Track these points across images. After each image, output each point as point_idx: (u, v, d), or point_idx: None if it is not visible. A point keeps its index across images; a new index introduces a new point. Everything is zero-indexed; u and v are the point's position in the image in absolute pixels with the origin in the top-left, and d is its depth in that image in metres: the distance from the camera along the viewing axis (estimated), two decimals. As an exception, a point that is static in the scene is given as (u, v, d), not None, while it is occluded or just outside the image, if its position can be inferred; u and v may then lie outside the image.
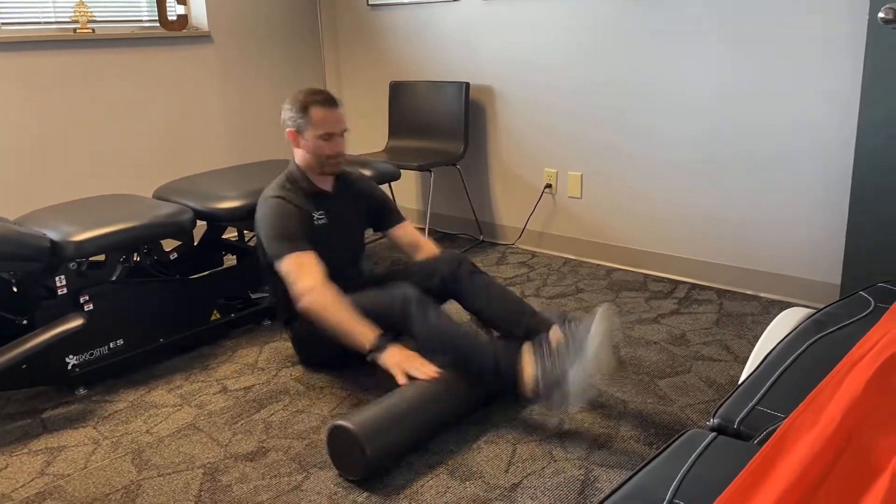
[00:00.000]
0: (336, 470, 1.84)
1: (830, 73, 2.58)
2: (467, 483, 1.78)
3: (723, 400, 1.33)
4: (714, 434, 1.19)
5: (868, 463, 1.04)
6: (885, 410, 1.14)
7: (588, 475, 1.79)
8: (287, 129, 2.32)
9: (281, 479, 1.83)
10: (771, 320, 2.60)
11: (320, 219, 2.33)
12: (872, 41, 2.24)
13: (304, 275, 2.13)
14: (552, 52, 3.32)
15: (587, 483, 1.76)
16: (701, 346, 2.46)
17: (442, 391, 1.96)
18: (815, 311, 1.68)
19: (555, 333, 2.04)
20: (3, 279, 2.27)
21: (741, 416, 1.27)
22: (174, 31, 3.66)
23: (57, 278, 2.23)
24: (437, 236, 3.88)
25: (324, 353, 2.35)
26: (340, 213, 2.39)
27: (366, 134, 4.25)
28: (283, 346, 2.59)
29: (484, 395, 2.07)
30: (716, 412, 1.30)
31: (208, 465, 1.89)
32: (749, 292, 2.93)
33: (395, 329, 2.10)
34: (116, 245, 2.31)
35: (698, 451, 1.13)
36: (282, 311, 2.40)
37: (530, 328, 2.15)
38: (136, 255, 2.49)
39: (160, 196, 2.76)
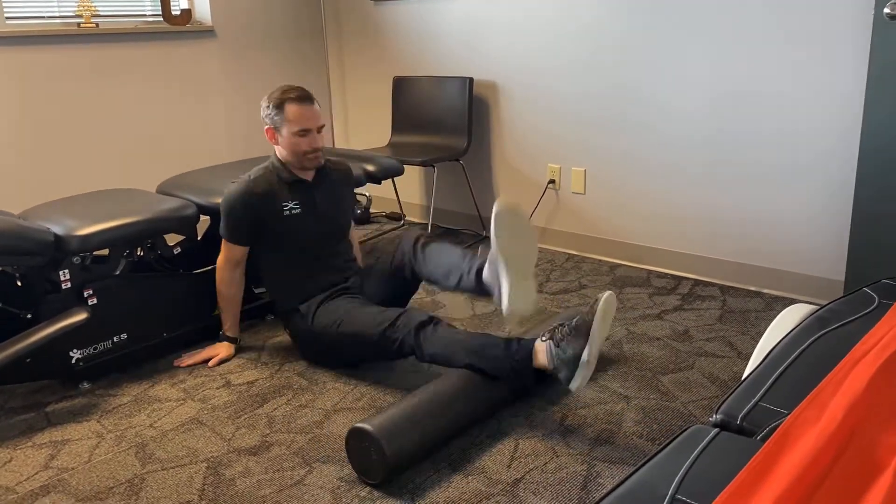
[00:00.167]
0: (352, 470, 1.82)
1: (834, 70, 2.57)
2: (469, 478, 1.78)
3: (726, 396, 1.33)
4: (717, 430, 1.19)
5: (871, 459, 1.04)
6: (888, 407, 1.14)
7: (590, 470, 1.79)
8: (265, 127, 2.37)
9: (284, 473, 1.83)
10: (774, 317, 2.60)
11: (294, 209, 2.37)
12: (878, 37, 2.23)
13: (221, 256, 2.43)
14: (556, 47, 3.31)
15: (589, 478, 1.76)
16: (704, 342, 2.46)
17: (462, 392, 1.93)
18: (818, 307, 1.67)
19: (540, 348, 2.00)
20: (8, 273, 2.28)
21: (744, 412, 1.27)
22: (178, 25, 3.66)
23: (61, 272, 2.23)
24: (440, 232, 3.88)
25: (321, 352, 2.37)
26: (319, 200, 2.43)
27: (369, 129, 4.25)
28: (286, 340, 2.59)
29: (504, 395, 2.04)
30: (719, 408, 1.30)
31: (212, 459, 1.90)
32: (752, 288, 2.92)
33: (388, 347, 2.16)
34: (120, 239, 2.31)
35: (701, 447, 1.13)
36: (279, 306, 2.45)
37: (467, 272, 2.17)
38: (139, 249, 2.49)
39: (163, 191, 2.77)
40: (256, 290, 2.78)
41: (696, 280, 3.04)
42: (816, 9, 2.56)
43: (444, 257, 2.26)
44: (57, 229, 2.22)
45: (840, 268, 2.70)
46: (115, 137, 3.53)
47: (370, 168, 3.07)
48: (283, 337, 2.62)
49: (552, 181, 3.47)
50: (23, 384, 2.34)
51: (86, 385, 2.31)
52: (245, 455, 1.91)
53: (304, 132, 2.31)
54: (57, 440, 2.02)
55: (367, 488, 1.75)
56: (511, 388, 2.04)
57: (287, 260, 2.40)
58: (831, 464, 1.02)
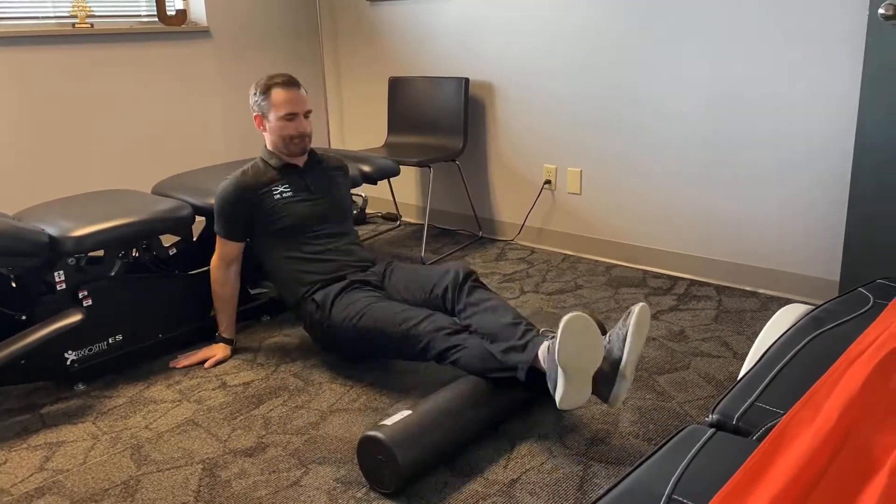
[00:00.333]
0: (368, 483, 1.79)
1: (829, 70, 2.58)
2: (466, 478, 1.78)
3: (722, 396, 1.33)
4: (713, 430, 1.19)
5: (866, 459, 1.04)
6: (883, 407, 1.14)
7: (587, 471, 1.79)
8: (253, 115, 2.42)
9: (280, 474, 1.83)
10: (770, 317, 2.60)
11: (285, 192, 2.39)
12: (872, 38, 2.24)
13: (215, 254, 2.43)
14: (552, 48, 3.31)
15: (586, 479, 1.76)
16: (700, 342, 2.47)
17: (475, 399, 1.89)
18: (813, 307, 1.68)
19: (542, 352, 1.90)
20: (2, 274, 2.27)
21: (740, 412, 1.27)
22: (173, 25, 3.65)
23: (56, 273, 2.23)
24: (436, 232, 3.88)
25: (337, 343, 2.31)
26: (311, 183, 2.45)
27: (365, 129, 4.25)
28: (282, 341, 2.59)
29: (518, 400, 2.01)
30: (715, 408, 1.30)
31: (207, 461, 1.89)
32: (748, 288, 2.93)
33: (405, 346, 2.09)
34: (115, 240, 2.30)
35: (697, 446, 1.14)
36: (289, 298, 2.41)
37: (513, 350, 1.94)
38: (134, 250, 2.49)
39: (159, 191, 2.76)
40: (252, 291, 2.78)
41: (691, 280, 3.05)
42: (812, 10, 2.57)
43: (494, 317, 2.02)
44: (52, 230, 2.22)
45: (835, 268, 2.70)
46: (111, 138, 3.52)
47: (366, 168, 3.06)
48: (279, 338, 2.62)
49: (548, 181, 3.47)
50: (18, 386, 2.33)
51: (81, 386, 2.30)
52: (241, 456, 1.91)
53: (290, 116, 2.35)
54: (52, 442, 2.01)
55: (364, 489, 1.75)
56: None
57: (288, 247, 2.38)
58: (827, 464, 1.02)
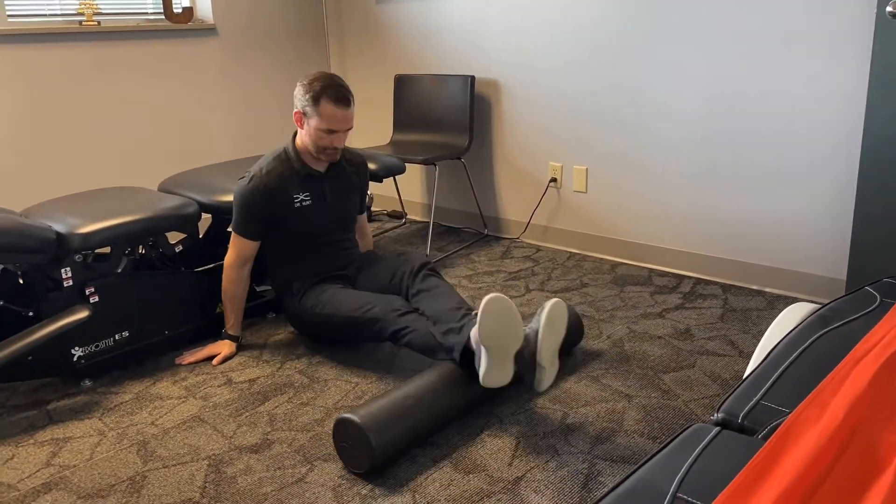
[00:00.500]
0: (342, 462, 1.84)
1: (836, 69, 2.57)
2: (471, 476, 1.78)
3: (727, 394, 1.33)
4: (718, 428, 1.19)
5: (872, 458, 1.04)
6: (890, 406, 1.14)
7: (592, 469, 1.79)
8: (294, 109, 2.37)
9: (285, 471, 1.83)
10: (776, 315, 2.60)
11: (305, 200, 2.42)
12: (880, 36, 2.23)
13: (231, 253, 2.44)
14: (558, 46, 3.31)
15: (591, 477, 1.76)
16: (706, 340, 2.46)
17: (447, 384, 1.96)
18: (820, 306, 1.67)
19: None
20: (9, 271, 2.28)
21: (745, 410, 1.27)
22: (179, 23, 3.66)
23: (62, 270, 2.23)
24: (442, 230, 3.88)
25: (308, 328, 2.47)
26: (329, 192, 2.47)
27: (371, 127, 4.25)
28: (287, 338, 2.60)
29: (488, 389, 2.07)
30: (720, 407, 1.30)
31: (213, 457, 1.90)
32: (754, 287, 2.92)
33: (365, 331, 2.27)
34: (122, 237, 2.31)
35: (702, 445, 1.13)
36: (274, 282, 2.55)
37: (450, 332, 2.08)
38: (141, 247, 2.50)
39: (165, 189, 2.77)
40: (258, 289, 2.79)
41: (697, 279, 3.04)
42: (817, 8, 2.56)
43: (439, 302, 2.19)
44: (59, 227, 2.23)
45: (842, 266, 2.70)
46: (117, 135, 3.53)
47: (372, 166, 3.07)
48: (284, 335, 2.63)
49: (554, 179, 3.47)
50: (25, 382, 2.34)
51: (87, 383, 2.31)
52: (246, 453, 1.92)
53: (331, 131, 2.32)
54: (59, 438, 2.02)
55: (369, 486, 1.76)
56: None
57: (292, 244, 2.47)
58: (833, 462, 1.02)
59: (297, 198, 2.40)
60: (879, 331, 1.37)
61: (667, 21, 2.95)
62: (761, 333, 2.49)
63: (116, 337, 2.37)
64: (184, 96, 3.73)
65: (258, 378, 2.32)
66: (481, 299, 1.95)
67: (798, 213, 2.77)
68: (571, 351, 2.41)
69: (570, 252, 3.45)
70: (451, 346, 2.04)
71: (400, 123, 3.84)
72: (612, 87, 3.17)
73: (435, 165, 3.50)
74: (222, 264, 2.47)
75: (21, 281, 2.27)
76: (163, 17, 3.69)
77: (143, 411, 2.14)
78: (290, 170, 2.40)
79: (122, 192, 2.62)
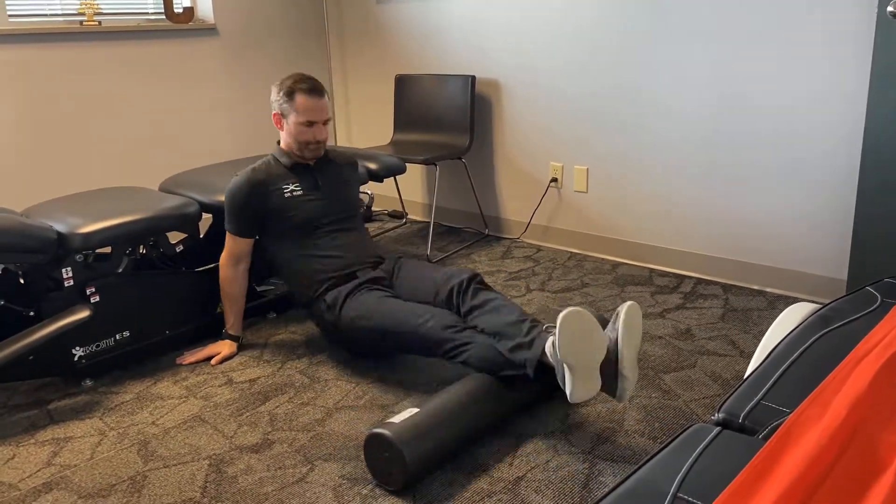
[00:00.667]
0: (375, 479, 1.80)
1: (837, 68, 2.57)
2: (471, 476, 1.78)
3: (728, 394, 1.33)
4: (719, 428, 1.19)
5: (873, 458, 1.04)
6: (891, 406, 1.14)
7: (592, 469, 1.79)
8: (272, 112, 2.42)
9: (286, 470, 1.83)
10: (777, 315, 2.60)
11: (295, 190, 2.41)
12: (881, 36, 2.23)
13: (224, 251, 2.45)
14: (559, 46, 3.31)
15: (591, 477, 1.76)
16: (706, 340, 2.46)
17: (481, 398, 1.89)
18: (821, 306, 1.67)
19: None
20: (10, 271, 2.28)
21: (746, 410, 1.27)
22: (180, 23, 3.66)
23: (63, 270, 2.24)
24: (442, 230, 3.89)
25: (350, 341, 2.33)
26: (320, 182, 2.46)
27: (371, 127, 4.25)
28: (288, 338, 2.60)
29: (524, 397, 2.01)
30: (721, 407, 1.30)
31: (214, 457, 1.90)
32: (755, 287, 2.92)
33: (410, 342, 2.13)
34: (122, 237, 2.31)
35: (703, 445, 1.13)
36: (300, 296, 2.43)
37: (519, 348, 1.95)
38: (141, 247, 2.50)
39: (166, 189, 2.77)
40: (259, 289, 2.79)
41: (698, 279, 3.04)
42: (818, 8, 2.56)
43: (499, 317, 2.04)
44: (59, 227, 2.23)
45: (843, 266, 2.69)
46: (118, 135, 3.53)
47: (372, 166, 3.07)
48: (285, 335, 2.63)
49: (554, 179, 3.47)
50: (25, 381, 2.34)
51: (88, 382, 2.31)
52: (247, 452, 1.92)
53: (310, 123, 2.36)
54: (59, 437, 2.02)
55: (369, 486, 1.76)
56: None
57: (298, 245, 2.40)
58: (833, 463, 1.02)
59: (287, 188, 2.40)
60: (880, 331, 1.36)
61: (667, 21, 2.95)
62: (762, 333, 2.49)
63: (117, 337, 2.37)
64: (184, 96, 3.73)
65: (259, 378, 2.32)
66: (559, 313, 1.79)
67: (799, 212, 2.77)
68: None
69: (571, 252, 3.45)
70: (523, 362, 1.91)
71: (400, 123, 3.84)
72: (612, 87, 3.17)
73: (435, 165, 3.50)
74: None
75: (22, 281, 2.28)
76: (163, 17, 3.69)
77: (144, 411, 2.14)
78: (277, 166, 2.44)
79: (122, 192, 2.62)
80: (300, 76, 2.38)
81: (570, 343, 1.76)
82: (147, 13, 3.67)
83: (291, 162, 2.44)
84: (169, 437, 2.00)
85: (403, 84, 3.83)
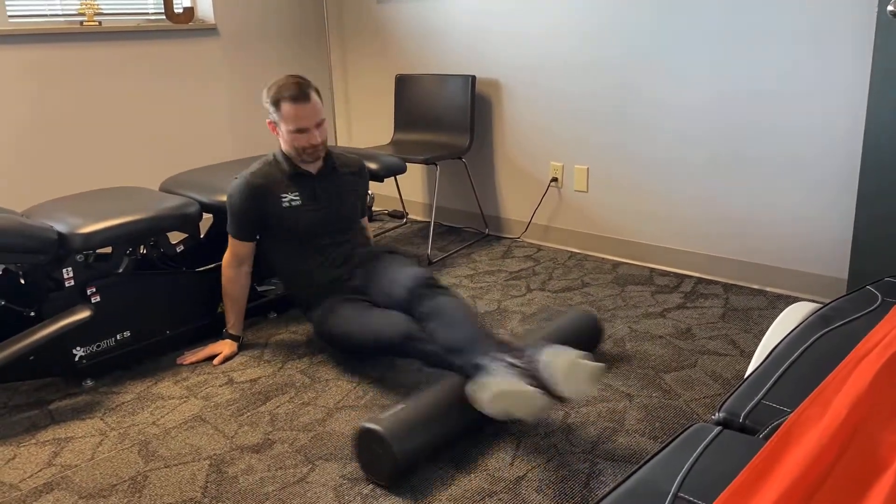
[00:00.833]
0: (357, 470, 1.84)
1: (838, 67, 2.57)
2: (472, 476, 1.78)
3: (728, 394, 1.33)
4: (719, 428, 1.19)
5: (873, 458, 1.04)
6: (891, 406, 1.14)
7: (593, 468, 1.79)
8: (267, 120, 2.40)
9: (287, 470, 1.83)
10: (777, 315, 2.60)
11: (293, 200, 2.39)
12: (881, 35, 2.23)
13: (227, 253, 2.45)
14: (559, 45, 3.31)
15: (592, 476, 1.76)
16: (707, 340, 2.46)
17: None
18: (821, 305, 1.67)
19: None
20: (11, 271, 2.28)
21: (747, 410, 1.27)
22: (180, 23, 3.66)
23: (64, 270, 2.24)
24: (443, 230, 3.89)
25: (340, 340, 2.33)
26: (320, 193, 2.44)
27: (371, 127, 4.25)
28: (288, 338, 2.60)
29: None
30: (721, 406, 1.30)
31: (214, 457, 1.90)
32: (755, 287, 2.92)
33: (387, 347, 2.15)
34: (123, 237, 2.31)
35: (704, 444, 1.13)
36: (297, 298, 2.47)
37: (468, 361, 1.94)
38: (142, 247, 2.50)
39: (167, 189, 2.77)
40: (260, 289, 2.79)
41: (698, 278, 3.04)
42: (819, 8, 2.56)
43: (448, 330, 2.03)
44: (60, 227, 2.23)
45: (843, 266, 2.69)
46: (118, 136, 3.53)
47: (373, 166, 3.07)
48: (286, 335, 2.63)
49: (555, 179, 3.47)
50: (26, 382, 2.34)
51: (89, 383, 2.31)
52: (248, 452, 1.92)
53: (300, 130, 2.32)
54: (60, 437, 2.02)
55: (370, 486, 1.76)
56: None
57: (293, 252, 2.43)
58: (834, 462, 1.02)
59: (285, 198, 2.38)
60: (881, 330, 1.36)
61: (668, 21, 2.94)
62: (762, 333, 2.49)
63: (118, 337, 2.37)
64: (185, 96, 3.73)
65: (259, 378, 2.32)
66: (479, 397, 1.76)
67: (799, 212, 2.77)
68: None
69: (572, 252, 3.45)
70: (466, 374, 1.91)
71: (401, 123, 3.84)
72: (612, 87, 3.17)
73: (436, 165, 3.50)
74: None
75: (22, 281, 2.28)
76: (164, 17, 3.69)
77: (145, 411, 2.14)
78: (278, 171, 2.40)
79: (123, 192, 2.62)
80: (285, 82, 2.30)
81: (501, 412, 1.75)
82: (147, 13, 3.67)
83: (292, 169, 2.41)
84: (170, 438, 2.00)
85: (404, 84, 3.83)
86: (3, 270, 2.29)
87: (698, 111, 2.95)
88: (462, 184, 3.86)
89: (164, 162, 3.70)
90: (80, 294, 2.27)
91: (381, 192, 4.31)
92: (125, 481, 1.81)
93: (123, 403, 2.20)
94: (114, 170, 3.54)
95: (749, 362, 2.26)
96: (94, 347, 2.31)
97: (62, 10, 3.37)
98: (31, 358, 2.19)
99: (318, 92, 2.35)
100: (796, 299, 2.78)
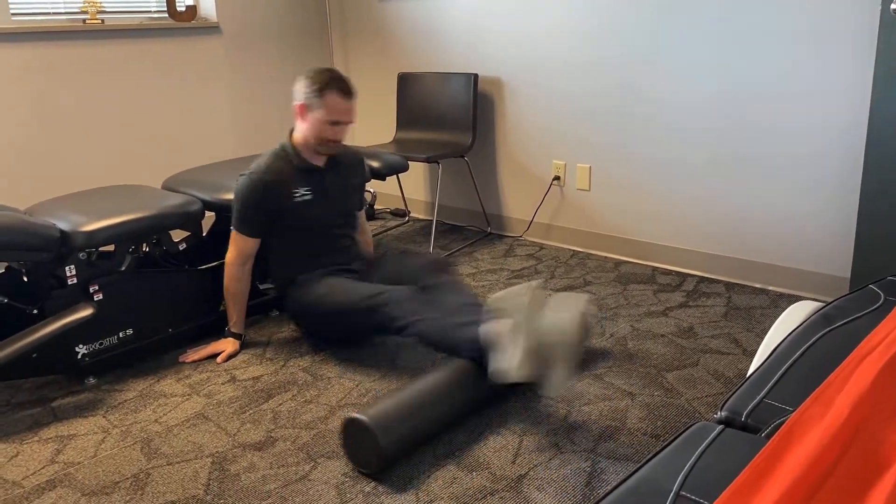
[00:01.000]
0: (350, 463, 1.85)
1: (841, 66, 2.56)
2: (474, 474, 1.78)
3: (730, 393, 1.33)
4: (721, 427, 1.19)
5: (875, 457, 1.04)
6: (893, 405, 1.14)
7: (595, 467, 1.79)
8: (297, 102, 2.38)
9: (289, 468, 1.84)
10: (779, 314, 2.59)
11: (305, 195, 2.42)
12: (885, 34, 2.22)
13: (231, 251, 2.45)
14: (561, 43, 3.30)
15: (594, 475, 1.76)
16: (709, 339, 2.46)
17: (455, 383, 1.95)
18: (824, 304, 1.67)
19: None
20: (14, 269, 2.28)
21: (749, 409, 1.27)
22: (183, 21, 3.66)
23: (67, 268, 2.24)
24: (445, 228, 3.89)
25: (310, 321, 2.46)
26: (329, 186, 2.48)
27: (374, 125, 4.25)
28: (291, 335, 2.60)
29: (499, 387, 2.05)
30: (723, 405, 1.30)
31: (217, 454, 1.91)
32: (758, 285, 2.92)
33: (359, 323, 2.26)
34: (126, 235, 2.31)
35: (705, 443, 1.13)
36: (278, 279, 2.54)
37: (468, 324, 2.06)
38: (145, 245, 2.50)
39: (169, 187, 2.77)
40: (262, 287, 2.79)
41: (700, 277, 3.04)
42: (822, 7, 2.55)
43: (453, 296, 2.21)
44: (63, 225, 2.23)
45: (846, 264, 2.69)
46: (121, 134, 3.53)
47: (375, 164, 3.07)
48: (288, 332, 2.63)
49: (557, 178, 3.47)
50: (29, 379, 2.35)
51: (91, 380, 2.32)
52: (250, 450, 1.92)
53: (336, 123, 2.36)
54: (63, 435, 2.03)
55: (372, 483, 1.76)
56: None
57: (294, 241, 2.47)
58: (836, 461, 1.02)
59: (297, 192, 2.40)
60: (883, 329, 1.36)
61: (670, 19, 2.94)
62: (765, 332, 2.49)
63: (120, 335, 2.37)
64: (187, 94, 3.73)
65: (262, 376, 2.32)
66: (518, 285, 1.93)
67: (802, 211, 2.76)
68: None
69: (574, 250, 3.45)
70: (467, 337, 2.00)
71: (403, 121, 3.84)
72: (614, 86, 3.17)
73: (438, 163, 3.50)
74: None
75: (25, 279, 2.28)
76: (166, 15, 3.69)
77: (147, 409, 2.15)
78: (289, 165, 2.42)
79: (125, 190, 2.62)
80: (335, 72, 2.36)
81: (521, 317, 1.86)
82: (150, 11, 3.67)
83: (302, 162, 2.43)
84: (172, 435, 2.00)
85: (406, 82, 3.82)
86: (6, 268, 2.30)
87: (700, 110, 2.94)
88: (464, 182, 3.86)
89: (166, 160, 3.70)
90: (82, 292, 2.28)
91: (384, 191, 4.31)
92: (127, 479, 1.82)
93: (126, 401, 2.20)
94: (116, 168, 3.54)
95: (751, 361, 2.26)
96: (97, 345, 2.32)
97: (65, 8, 3.37)
98: (34, 355, 2.19)
99: None
100: (798, 298, 2.78)
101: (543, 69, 3.39)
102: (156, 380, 2.32)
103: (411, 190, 4.15)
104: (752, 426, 1.24)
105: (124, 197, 2.52)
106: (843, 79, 2.57)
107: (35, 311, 2.25)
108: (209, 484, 1.79)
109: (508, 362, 1.84)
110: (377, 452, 1.73)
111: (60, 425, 2.08)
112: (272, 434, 1.99)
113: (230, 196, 2.58)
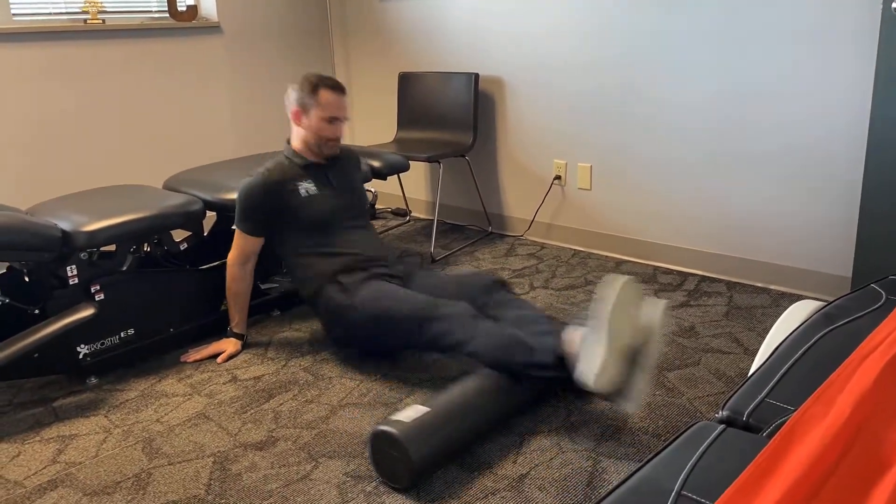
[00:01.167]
0: (360, 468, 1.84)
1: (841, 66, 2.56)
2: (475, 473, 1.78)
3: (732, 392, 1.33)
4: (723, 426, 1.19)
5: (877, 457, 1.04)
6: (895, 404, 1.14)
7: (596, 466, 1.79)
8: (291, 109, 2.41)
9: (290, 468, 1.84)
10: (781, 313, 2.59)
11: (310, 188, 2.42)
12: (886, 33, 2.22)
13: (233, 250, 2.44)
14: (562, 43, 3.30)
15: (595, 474, 1.76)
16: (710, 338, 2.46)
17: (489, 395, 1.90)
18: (825, 303, 1.67)
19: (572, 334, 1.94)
20: (15, 269, 2.29)
21: (750, 408, 1.27)
22: (183, 21, 3.66)
23: (68, 268, 2.24)
24: (446, 228, 3.89)
25: (353, 327, 2.30)
26: (332, 179, 2.48)
27: (375, 125, 4.25)
28: (292, 335, 2.60)
29: (530, 395, 2.01)
30: (725, 404, 1.30)
31: (218, 454, 1.91)
32: (759, 285, 2.92)
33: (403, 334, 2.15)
34: (127, 235, 2.32)
35: (707, 443, 1.13)
36: (309, 285, 2.40)
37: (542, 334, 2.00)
38: (146, 245, 2.50)
39: (170, 187, 2.77)
40: (263, 286, 2.79)
41: (702, 276, 3.04)
42: (823, 6, 2.55)
43: (523, 310, 2.13)
44: (64, 225, 2.23)
45: (847, 264, 2.69)
46: (122, 134, 3.54)
47: (376, 164, 3.07)
48: (289, 332, 2.63)
49: (558, 177, 3.47)
50: (30, 379, 2.35)
51: (93, 380, 2.32)
52: (251, 450, 1.92)
53: (332, 119, 2.39)
54: (64, 435, 2.03)
55: (373, 483, 1.76)
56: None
57: (312, 242, 2.39)
58: (837, 461, 1.02)
59: (302, 186, 2.41)
60: (885, 328, 1.36)
61: (672, 18, 2.94)
62: (766, 331, 2.49)
63: (122, 334, 2.38)
64: (188, 94, 3.73)
65: (263, 375, 2.32)
66: (611, 278, 1.82)
67: (803, 210, 2.76)
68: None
69: (575, 249, 3.45)
70: (544, 346, 1.92)
71: (404, 121, 3.84)
72: (615, 85, 3.17)
73: (439, 163, 3.50)
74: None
75: (27, 279, 2.28)
76: (167, 15, 3.69)
77: (149, 409, 2.15)
78: (292, 165, 2.44)
79: (127, 190, 2.62)
80: (322, 74, 2.43)
81: (619, 310, 1.76)
82: (151, 11, 3.67)
83: (305, 161, 2.45)
84: (173, 435, 2.00)
85: (407, 82, 3.82)
86: (8, 268, 2.30)
87: (701, 110, 2.94)
88: (465, 182, 3.86)
89: (167, 160, 3.70)
90: (84, 292, 2.28)
91: (385, 190, 4.31)
92: (129, 478, 1.82)
93: (127, 401, 2.20)
94: (117, 168, 3.54)
95: (752, 360, 2.26)
96: (99, 345, 2.32)
97: (66, 8, 3.37)
98: (36, 355, 2.19)
99: None
100: (800, 297, 2.78)
101: (544, 69, 3.39)
102: (157, 380, 2.33)
103: (412, 189, 4.15)
104: (753, 426, 1.24)
105: (125, 197, 2.52)
106: (844, 78, 2.57)
107: (37, 311, 2.25)
108: (210, 484, 1.79)
109: (593, 366, 1.75)
110: (409, 467, 1.68)
111: (62, 425, 2.08)
112: (273, 434, 1.99)
113: (231, 196, 2.58)
